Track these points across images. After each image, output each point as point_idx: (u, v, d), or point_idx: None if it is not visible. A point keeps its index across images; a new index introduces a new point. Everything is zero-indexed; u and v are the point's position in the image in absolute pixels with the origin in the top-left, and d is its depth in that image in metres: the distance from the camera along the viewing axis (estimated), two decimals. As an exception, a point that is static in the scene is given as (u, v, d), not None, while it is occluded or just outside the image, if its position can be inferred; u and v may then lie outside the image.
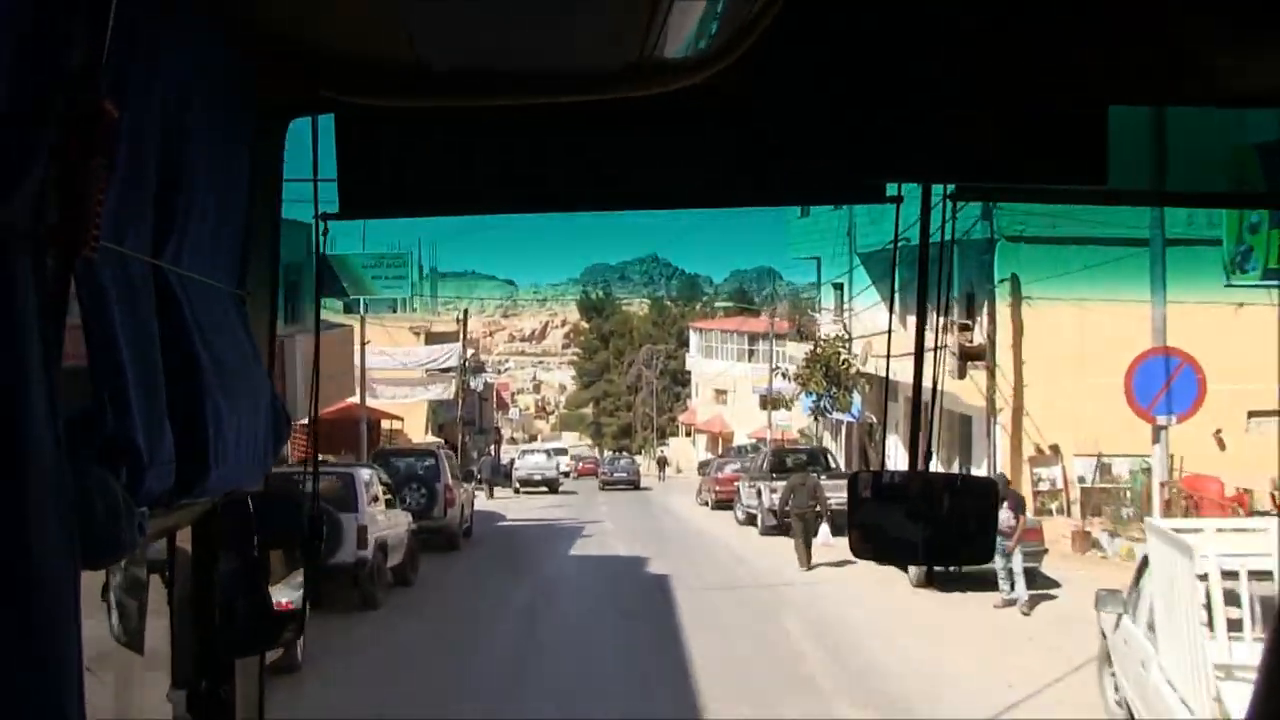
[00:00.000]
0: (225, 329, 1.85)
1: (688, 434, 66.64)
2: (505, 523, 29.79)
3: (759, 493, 25.38)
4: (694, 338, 66.47)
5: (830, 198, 2.88)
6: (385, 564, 16.35)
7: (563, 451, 56.43)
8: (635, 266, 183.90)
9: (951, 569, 16.09)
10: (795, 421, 40.70)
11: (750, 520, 26.63)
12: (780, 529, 22.70)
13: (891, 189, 2.32)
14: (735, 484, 29.13)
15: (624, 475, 46.94)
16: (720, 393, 60.21)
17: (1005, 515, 15.12)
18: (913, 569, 16.83)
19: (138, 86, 1.41)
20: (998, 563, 15.26)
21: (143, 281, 1.49)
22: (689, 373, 66.93)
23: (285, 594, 2.97)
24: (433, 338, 44.50)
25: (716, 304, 68.32)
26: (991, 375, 23.89)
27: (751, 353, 57.19)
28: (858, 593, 16.81)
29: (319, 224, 2.34)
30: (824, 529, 19.70)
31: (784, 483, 22.44)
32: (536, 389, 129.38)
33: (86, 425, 1.30)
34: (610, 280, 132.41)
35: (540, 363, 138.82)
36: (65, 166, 1.12)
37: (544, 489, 42.12)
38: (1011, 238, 23.83)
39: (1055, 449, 23.55)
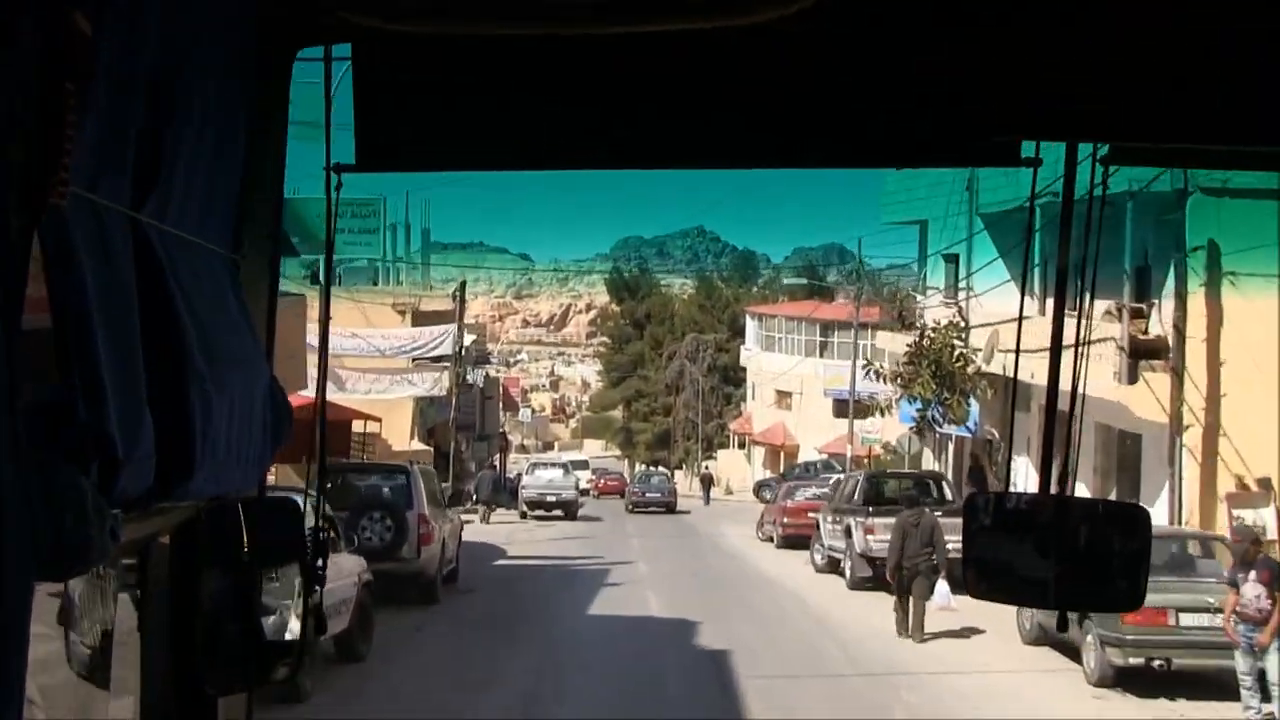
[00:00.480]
0: (217, 299, 1.91)
1: (741, 445, 67.34)
2: (505, 561, 27.67)
3: (849, 531, 23.25)
4: (751, 326, 66.17)
5: (949, 158, 2.86)
6: (318, 634, 13.51)
7: (583, 465, 56.74)
8: (677, 241, 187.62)
9: (1156, 663, 13.97)
10: (888, 433, 38.45)
11: (832, 567, 24.95)
12: (876, 582, 21.20)
13: (1028, 149, 2.33)
14: (812, 516, 27.70)
15: (657, 496, 47.58)
16: (783, 395, 60.12)
17: (1254, 591, 12.15)
18: (1091, 659, 14.62)
19: (119, 5, 1.43)
20: (1240, 663, 12.62)
21: (120, 238, 1.52)
22: (744, 369, 67.01)
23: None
24: (422, 318, 43.23)
25: (784, 282, 66.75)
26: (1178, 380, 21.25)
27: (824, 346, 57.35)
28: (1009, 687, 14.42)
29: (331, 177, 2.39)
30: (941, 586, 17.70)
31: (883, 520, 21.03)
32: (554, 386, 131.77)
33: (51, 411, 1.32)
34: (646, 256, 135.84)
35: (560, 354, 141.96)
36: (29, 93, 1.15)
37: (558, 513, 40.94)
38: (1210, 190, 21.01)
39: (1265, 484, 20.77)
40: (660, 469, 63.13)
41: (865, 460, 40.52)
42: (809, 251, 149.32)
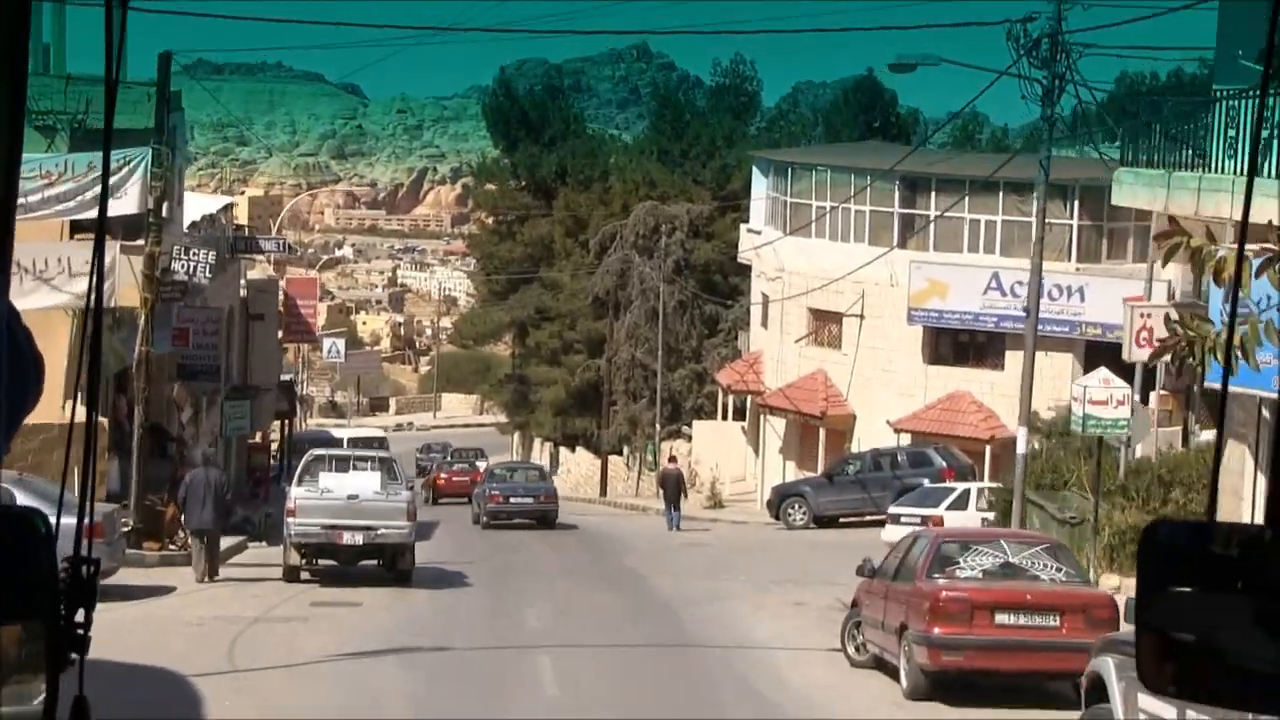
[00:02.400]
0: None
1: (739, 413, 67.26)
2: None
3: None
4: (760, 185, 65.13)
5: None
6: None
7: (378, 443, 57.36)
8: (603, 68, 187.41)
9: None
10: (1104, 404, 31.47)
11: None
12: None
13: None
14: (1026, 637, 21.96)
15: (527, 501, 51.47)
16: (824, 318, 59.79)
17: None
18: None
19: None
20: None
21: None
22: (745, 270, 67.81)
23: None
24: (90, 141, 38.26)
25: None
26: None
27: (909, 224, 56.89)
28: None
29: None
30: None
31: None
32: (395, 302, 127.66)
33: None
34: (559, 88, 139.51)
35: (407, 250, 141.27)
36: None
37: (373, 561, 34.01)
38: None
39: None
40: (533, 464, 65.15)
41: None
42: (819, 89, 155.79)
